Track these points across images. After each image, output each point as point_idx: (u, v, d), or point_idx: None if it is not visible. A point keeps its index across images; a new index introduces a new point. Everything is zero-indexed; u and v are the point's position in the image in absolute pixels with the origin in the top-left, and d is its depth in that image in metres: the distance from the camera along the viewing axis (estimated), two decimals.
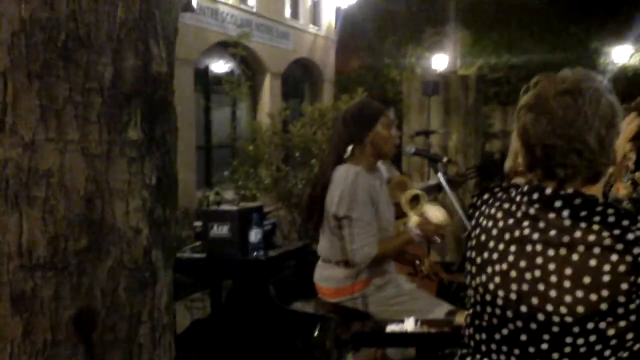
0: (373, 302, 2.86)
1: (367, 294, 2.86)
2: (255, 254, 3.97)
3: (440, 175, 3.15)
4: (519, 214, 1.35)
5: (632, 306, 1.19)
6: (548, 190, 1.30)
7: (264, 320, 3.65)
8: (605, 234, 1.22)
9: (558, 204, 1.28)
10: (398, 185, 3.37)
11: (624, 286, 1.18)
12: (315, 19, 14.73)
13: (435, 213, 2.87)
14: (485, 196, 1.51)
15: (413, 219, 2.88)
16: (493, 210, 1.43)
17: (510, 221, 1.36)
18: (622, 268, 1.19)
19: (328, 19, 15.09)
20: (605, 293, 1.19)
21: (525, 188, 1.36)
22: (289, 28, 13.53)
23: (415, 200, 3.01)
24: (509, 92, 15.44)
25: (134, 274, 1.42)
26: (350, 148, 2.83)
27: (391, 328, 2.59)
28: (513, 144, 5.16)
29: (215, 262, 3.68)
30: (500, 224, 1.38)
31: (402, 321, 2.77)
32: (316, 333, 3.01)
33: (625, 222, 1.22)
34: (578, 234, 1.24)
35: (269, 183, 6.31)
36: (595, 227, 1.23)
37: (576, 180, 1.29)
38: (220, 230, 3.83)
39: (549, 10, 16.10)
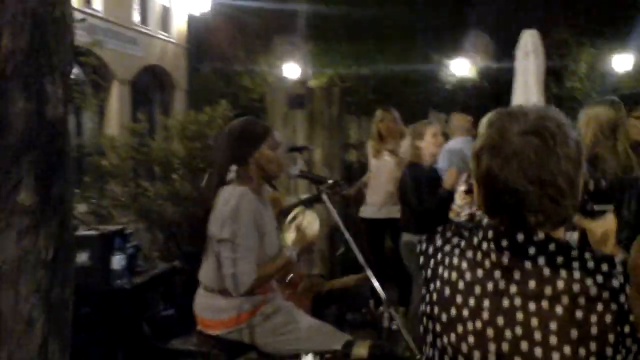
0: (261, 332, 2.69)
1: (254, 323, 2.68)
2: (118, 282, 3.66)
3: (325, 197, 3.07)
4: (487, 264, 1.23)
5: (619, 357, 1.12)
6: (520, 237, 1.19)
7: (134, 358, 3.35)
8: (589, 281, 1.13)
9: (532, 251, 1.18)
10: (271, 202, 3.28)
11: (612, 338, 1.11)
12: (165, 25, 14.24)
13: (310, 223, 2.84)
14: (438, 242, 1.37)
15: (290, 238, 2.81)
16: (455, 260, 1.29)
17: (479, 272, 1.24)
18: (608, 318, 1.11)
19: (179, 25, 14.64)
20: (593, 347, 1.11)
21: (490, 234, 1.24)
22: (138, 34, 12.95)
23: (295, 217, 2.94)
24: (359, 102, 15.94)
25: None
26: (234, 168, 2.67)
27: None
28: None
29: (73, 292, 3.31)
30: (468, 275, 1.25)
31: (297, 357, 2.63)
32: None
33: (605, 267, 1.15)
34: (561, 284, 1.15)
35: (127, 200, 5.88)
36: (577, 274, 1.15)
37: (546, 226, 1.19)
38: (79, 257, 3.49)
39: (394, 23, 16.84)
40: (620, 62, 15.05)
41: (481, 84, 16.78)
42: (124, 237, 3.97)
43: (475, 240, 1.28)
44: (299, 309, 2.88)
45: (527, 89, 6.83)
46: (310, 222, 2.84)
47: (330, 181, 3.19)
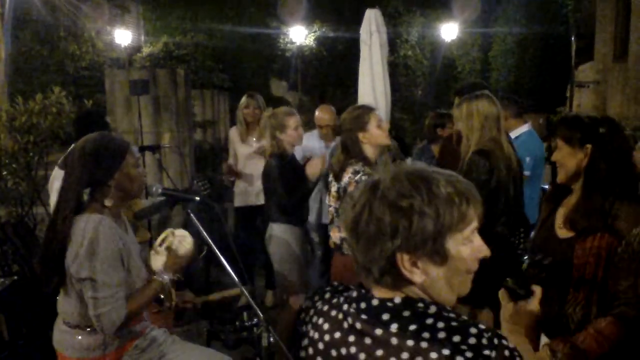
0: None
1: None
2: None
3: (192, 215, 2.88)
4: (345, 326, 1.20)
5: None
6: (375, 301, 1.16)
7: None
8: (434, 355, 1.08)
9: (385, 316, 1.14)
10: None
11: None
12: None
13: (181, 242, 2.64)
14: (315, 297, 1.34)
15: (159, 262, 2.59)
16: (321, 320, 1.26)
17: (337, 335, 1.21)
18: None
19: None
20: None
21: (354, 294, 1.21)
22: None
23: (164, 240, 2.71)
24: (197, 69, 15.43)
25: None
26: (88, 190, 2.38)
27: None
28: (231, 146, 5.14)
29: None
30: (327, 337, 1.22)
31: None
32: None
33: (456, 338, 1.09)
34: (405, 355, 1.10)
35: None
36: (424, 344, 1.09)
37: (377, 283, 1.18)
38: None
39: None
40: (447, 31, 15.92)
41: (319, 52, 16.95)
42: None
43: (342, 299, 1.25)
44: (167, 333, 2.69)
45: (372, 68, 6.96)
46: (181, 241, 2.63)
47: (197, 198, 3.00)
